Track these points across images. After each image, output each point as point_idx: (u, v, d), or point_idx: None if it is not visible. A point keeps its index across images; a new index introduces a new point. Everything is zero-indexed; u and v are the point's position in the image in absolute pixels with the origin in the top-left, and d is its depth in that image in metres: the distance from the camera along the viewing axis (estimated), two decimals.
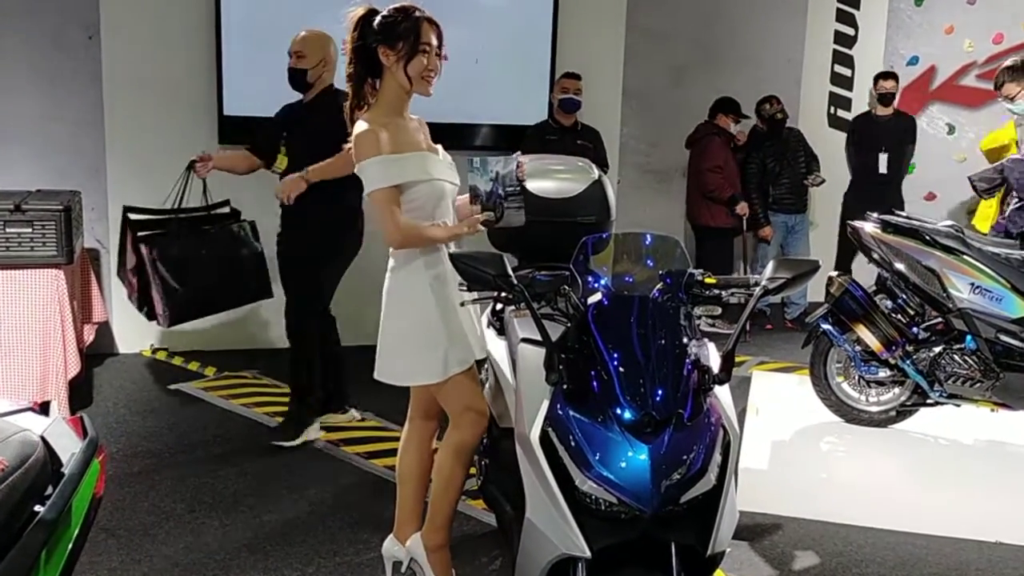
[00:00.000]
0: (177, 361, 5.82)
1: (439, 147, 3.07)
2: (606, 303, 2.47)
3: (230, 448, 4.50)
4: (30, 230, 4.47)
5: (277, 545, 3.57)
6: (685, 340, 2.42)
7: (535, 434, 2.36)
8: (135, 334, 5.94)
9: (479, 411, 3.07)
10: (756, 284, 2.55)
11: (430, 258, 2.94)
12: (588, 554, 2.23)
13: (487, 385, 3.49)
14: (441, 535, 3.16)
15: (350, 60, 2.89)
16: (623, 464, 2.21)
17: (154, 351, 5.95)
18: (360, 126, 2.86)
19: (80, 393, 4.99)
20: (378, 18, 2.86)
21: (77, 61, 5.73)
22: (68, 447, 1.77)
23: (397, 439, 4.50)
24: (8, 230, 4.44)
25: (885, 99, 7.26)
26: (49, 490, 1.65)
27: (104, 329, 5.76)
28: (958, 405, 4.63)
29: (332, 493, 4.06)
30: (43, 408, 1.89)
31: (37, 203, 4.56)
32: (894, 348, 4.54)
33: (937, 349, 4.51)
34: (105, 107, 5.67)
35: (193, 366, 5.72)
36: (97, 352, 5.74)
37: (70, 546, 1.66)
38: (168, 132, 5.72)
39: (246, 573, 3.39)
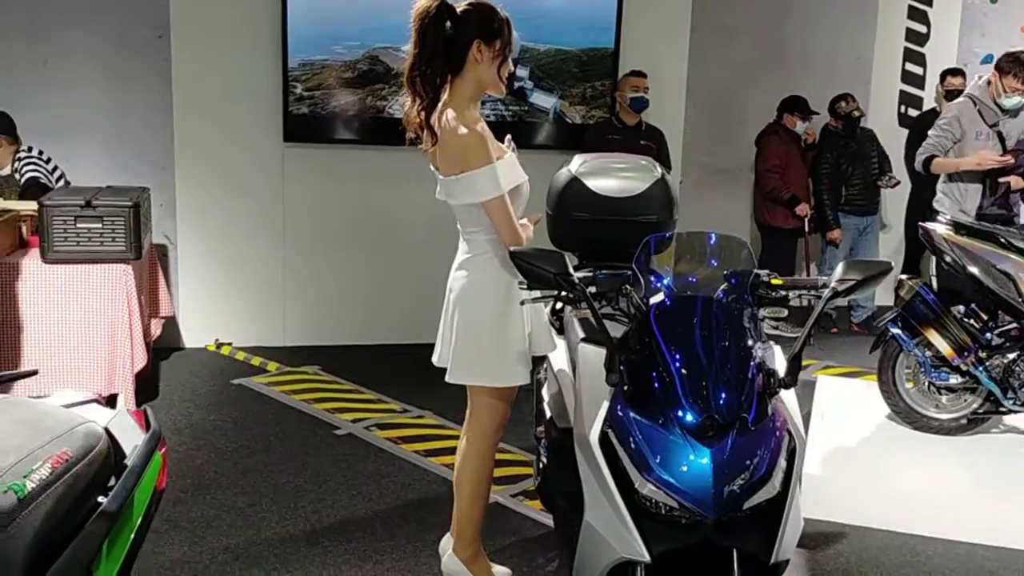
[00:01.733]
0: (240, 356, 5.91)
1: (509, 142, 3.02)
2: (668, 303, 2.43)
3: (291, 443, 4.54)
4: (100, 226, 4.56)
5: (336, 541, 3.59)
6: (750, 342, 2.37)
7: (595, 435, 2.34)
8: (201, 329, 6.04)
9: (500, 397, 3.06)
10: (824, 286, 2.49)
11: (504, 260, 2.85)
12: (647, 558, 2.20)
13: (545, 384, 3.48)
14: (473, 547, 3.17)
15: (430, 54, 2.75)
16: (684, 468, 2.18)
17: (219, 346, 6.04)
18: (460, 128, 2.75)
19: (147, 386, 5.09)
20: (472, 12, 2.78)
21: (146, 59, 5.85)
22: (132, 439, 1.79)
23: (454, 437, 4.51)
24: (79, 225, 4.53)
25: (952, 96, 7.05)
26: (112, 481, 1.67)
27: (171, 324, 5.86)
28: None
29: (391, 491, 4.07)
30: (109, 401, 1.92)
31: (107, 199, 4.65)
32: (966, 354, 4.40)
33: (1012, 356, 4.37)
34: (174, 105, 5.77)
35: (256, 361, 5.79)
36: (164, 346, 5.84)
37: (131, 537, 1.68)
38: (234, 130, 5.81)
39: (305, 567, 3.41)
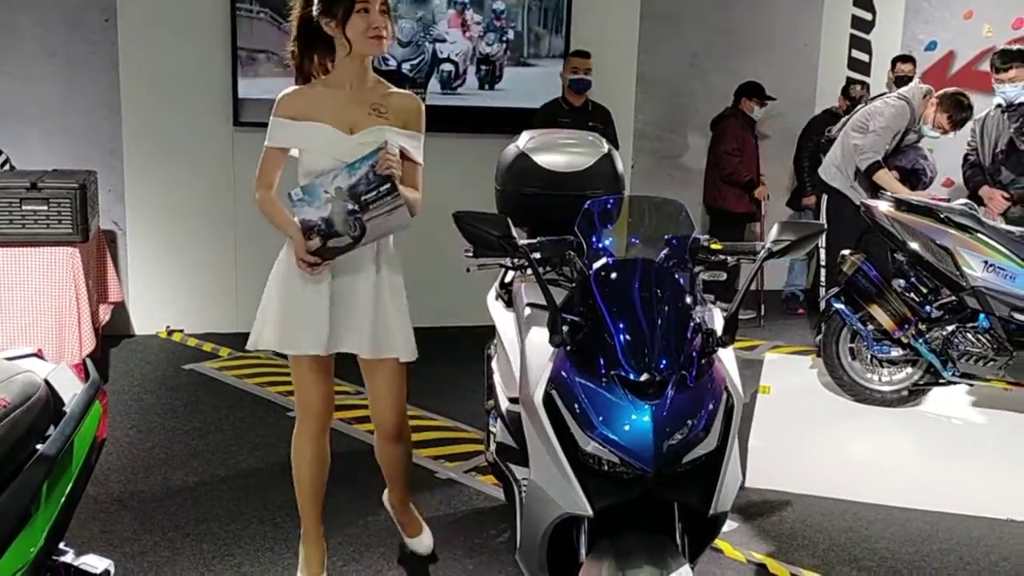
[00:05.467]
0: (192, 342, 5.87)
1: (379, 128, 2.79)
2: (609, 266, 2.47)
3: (242, 426, 4.53)
4: (46, 208, 4.52)
5: (287, 517, 3.59)
6: (689, 303, 2.42)
7: (539, 396, 2.37)
8: (151, 316, 5.99)
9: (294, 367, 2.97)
10: (763, 248, 2.54)
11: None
12: (590, 513, 2.23)
13: (495, 358, 3.51)
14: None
15: (294, 36, 2.85)
16: (626, 425, 2.21)
17: (170, 332, 6.00)
18: (287, 89, 2.85)
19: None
20: None
21: (94, 44, 5.79)
22: (71, 390, 1.80)
23: (411, 418, 4.54)
24: (24, 207, 4.49)
25: (902, 82, 7.21)
26: (51, 430, 1.68)
27: (121, 311, 5.81)
28: (971, 384, 4.61)
29: (342, 470, 4.05)
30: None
31: (53, 181, 4.61)
32: (907, 327, 4.51)
33: (950, 328, 4.48)
34: (122, 89, 5.71)
35: (208, 347, 5.76)
36: (113, 334, 5.78)
37: (71, 484, 1.68)
38: (183, 114, 5.76)
39: (256, 543, 3.42)
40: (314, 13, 2.76)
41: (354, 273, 2.84)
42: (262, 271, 2.98)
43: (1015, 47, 5.42)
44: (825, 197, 5.55)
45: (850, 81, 7.32)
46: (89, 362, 1.92)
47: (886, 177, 5.06)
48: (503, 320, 3.29)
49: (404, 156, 2.84)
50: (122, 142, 5.79)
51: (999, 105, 5.41)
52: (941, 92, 5.02)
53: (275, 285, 2.89)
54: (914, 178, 5.58)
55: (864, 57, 8.20)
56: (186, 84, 5.77)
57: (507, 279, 3.45)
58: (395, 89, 2.92)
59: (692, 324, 2.37)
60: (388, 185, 2.64)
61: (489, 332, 3.47)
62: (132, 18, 5.66)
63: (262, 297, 2.92)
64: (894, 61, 7.37)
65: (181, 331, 6.02)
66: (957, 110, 4.96)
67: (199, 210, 5.89)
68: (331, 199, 2.67)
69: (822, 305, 4.91)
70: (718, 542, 3.50)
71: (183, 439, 4.37)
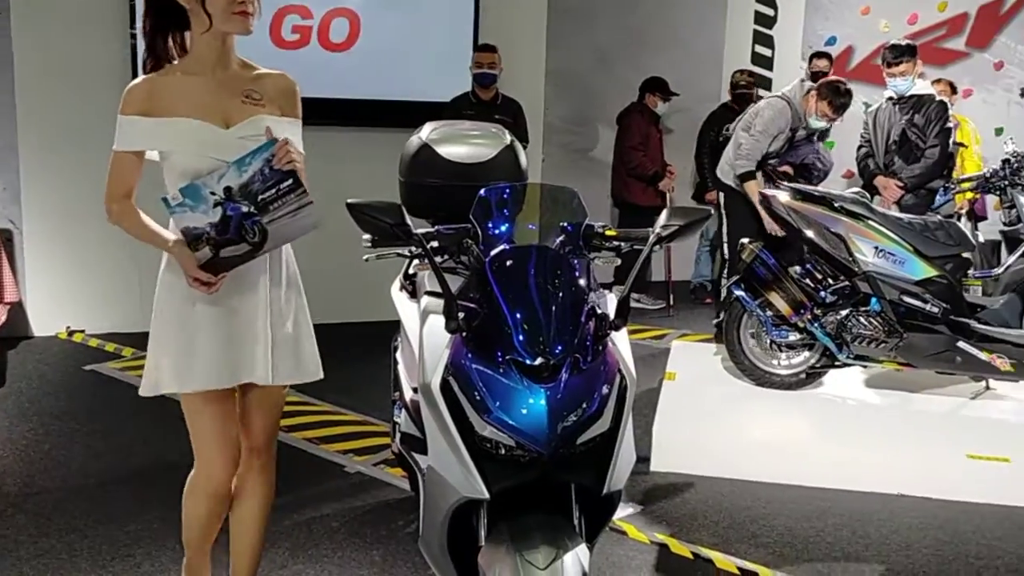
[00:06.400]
0: (94, 343, 5.72)
1: (256, 118, 2.46)
2: (505, 253, 2.50)
3: (144, 427, 4.43)
4: None
5: None
6: (583, 287, 2.46)
7: (436, 382, 2.38)
8: (50, 316, 5.82)
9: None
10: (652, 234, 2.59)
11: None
12: (487, 496, 2.26)
13: (400, 349, 3.51)
14: None
15: (145, 12, 2.47)
16: (522, 409, 2.24)
17: (70, 333, 5.84)
18: (136, 79, 2.46)
19: None
20: None
21: None
22: None
23: (311, 412, 4.53)
24: None
25: (817, 78, 7.43)
26: None
27: (18, 312, 5.64)
28: (865, 366, 4.77)
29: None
30: None
31: None
32: (803, 312, 4.65)
33: (844, 312, 4.63)
34: (16, 84, 5.53)
35: (110, 347, 5.62)
36: (11, 335, 5.61)
37: None
38: (81, 108, 5.60)
39: (155, 543, 3.36)
40: None
41: (252, 289, 2.52)
42: None
43: (905, 42, 5.62)
44: (722, 195, 5.68)
45: (737, 72, 7.48)
46: None
47: (754, 188, 5.16)
48: (407, 310, 3.29)
49: None
50: (16, 139, 5.61)
51: (890, 98, 5.61)
52: (819, 83, 5.19)
53: (163, 318, 2.52)
54: (807, 173, 5.74)
55: (767, 52, 8.41)
56: (83, 78, 5.61)
57: (411, 270, 3.46)
58: (264, 70, 2.57)
59: (586, 309, 2.41)
60: (290, 181, 2.37)
61: (395, 326, 3.47)
62: (25, 10, 5.49)
63: (150, 338, 2.55)
64: (811, 57, 7.61)
65: (82, 331, 5.86)
66: (836, 95, 5.11)
67: (99, 207, 5.67)
68: (220, 201, 2.36)
69: (723, 293, 5.03)
70: (622, 524, 3.57)
71: (82, 441, 4.26)
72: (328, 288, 5.09)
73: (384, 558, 3.33)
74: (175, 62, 2.48)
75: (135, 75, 5.59)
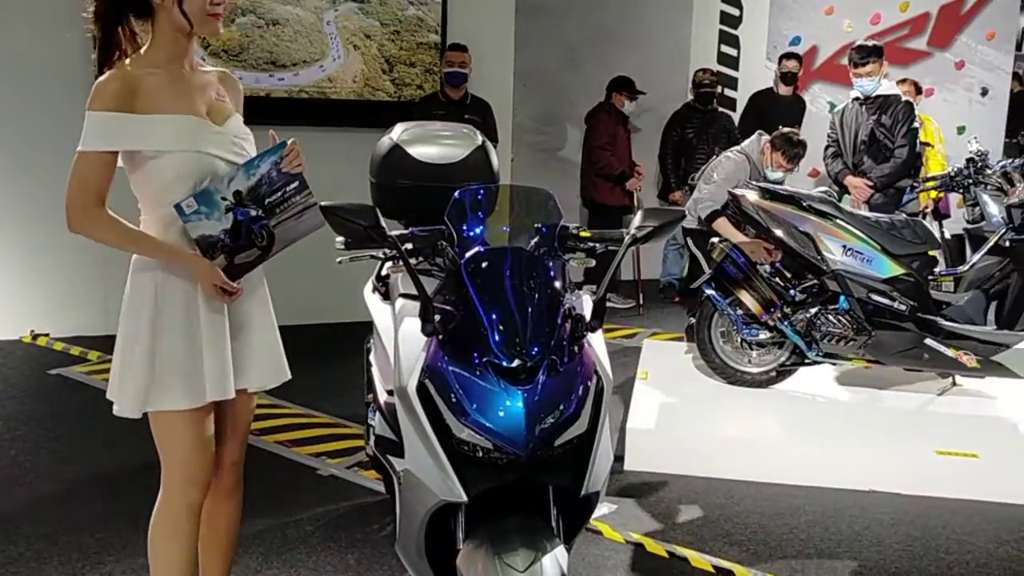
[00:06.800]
0: (59, 347, 5.63)
1: (235, 116, 2.46)
2: (480, 255, 2.49)
3: (112, 430, 4.32)
4: None
5: None
6: (559, 289, 2.46)
7: (412, 385, 2.37)
8: (13, 320, 5.73)
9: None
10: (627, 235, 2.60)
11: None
12: (465, 499, 2.25)
13: (373, 351, 3.49)
14: None
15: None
16: (499, 411, 2.24)
17: (34, 337, 5.74)
18: (108, 73, 2.29)
19: None
20: None
21: None
22: None
23: (285, 415, 4.50)
24: None
25: (787, 78, 7.51)
26: None
27: None
28: (835, 363, 4.82)
29: None
30: None
31: None
32: (773, 310, 4.69)
33: (813, 310, 4.67)
34: None
35: (75, 351, 5.54)
36: None
37: None
38: (39, 107, 5.51)
39: (126, 550, 3.32)
40: None
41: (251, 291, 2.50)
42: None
43: (871, 43, 5.69)
44: (689, 239, 5.52)
45: (700, 71, 7.53)
46: None
47: (724, 225, 5.08)
48: (380, 312, 3.27)
49: None
50: None
51: (856, 98, 5.66)
52: (772, 135, 5.16)
53: (163, 333, 2.37)
54: None
55: (733, 52, 8.47)
56: (40, 76, 5.52)
57: (383, 271, 3.44)
58: (209, 67, 2.51)
59: (562, 310, 2.41)
60: (296, 183, 2.40)
61: (369, 328, 3.44)
62: None
63: (124, 352, 2.40)
64: (781, 58, 7.67)
65: (46, 335, 5.77)
66: (789, 146, 5.08)
67: (59, 207, 5.57)
68: (231, 206, 2.33)
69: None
70: (597, 524, 3.58)
71: (49, 446, 4.20)
72: (298, 289, 5.06)
73: (359, 561, 3.31)
74: (133, 56, 2.33)
75: (99, 72, 5.51)
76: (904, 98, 5.68)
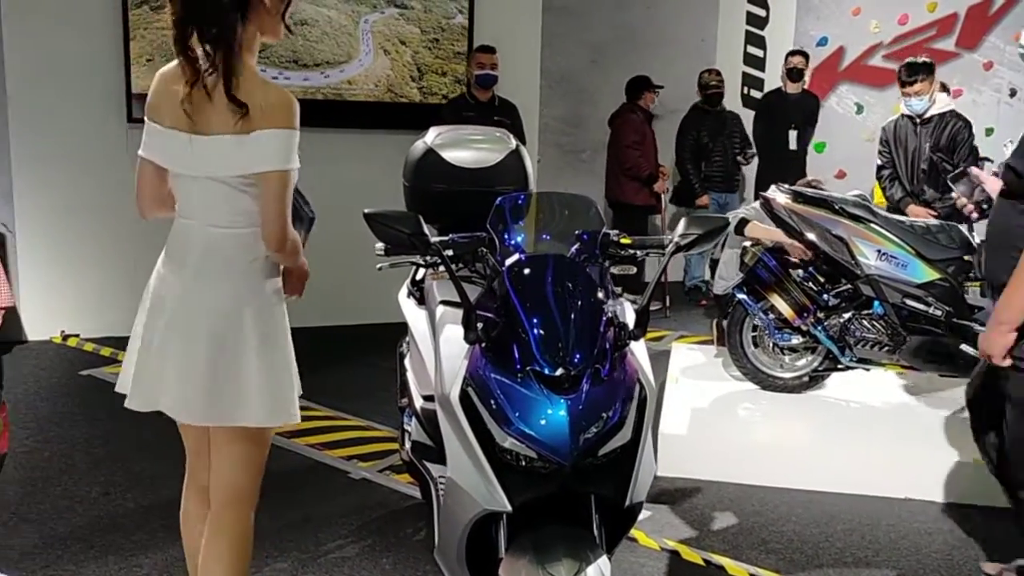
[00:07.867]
0: (89, 347, 5.66)
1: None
2: (522, 262, 2.48)
3: (145, 431, 4.36)
4: None
5: None
6: (601, 297, 2.44)
7: (455, 393, 2.37)
8: (45, 321, 5.76)
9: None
10: (670, 242, 2.58)
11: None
12: (509, 508, 2.25)
13: (408, 355, 3.49)
14: None
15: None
16: (542, 420, 2.23)
17: (65, 337, 5.78)
18: (273, 83, 2.35)
19: None
20: None
21: None
22: None
23: (318, 418, 4.50)
24: None
25: (792, 74, 7.43)
26: None
27: (11, 316, 5.56)
28: (868, 369, 4.77)
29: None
30: None
31: None
32: (806, 315, 4.65)
33: (847, 315, 4.63)
34: (8, 85, 5.47)
35: (106, 351, 5.57)
36: (5, 340, 5.53)
37: None
38: (75, 110, 5.56)
39: (163, 552, 3.32)
40: None
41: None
42: None
43: (921, 59, 5.50)
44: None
45: (705, 72, 7.50)
46: None
47: (755, 227, 4.85)
48: (415, 317, 3.27)
49: None
50: (9, 140, 5.54)
51: (906, 115, 5.56)
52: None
53: (282, 343, 2.43)
54: None
55: (759, 52, 8.42)
56: (77, 79, 5.56)
57: (418, 276, 3.43)
58: None
59: (605, 318, 2.40)
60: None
61: (400, 330, 3.44)
62: (18, 10, 5.42)
63: (264, 367, 2.38)
64: (787, 55, 7.61)
65: (77, 336, 5.80)
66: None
67: (93, 209, 5.68)
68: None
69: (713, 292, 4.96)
70: (632, 531, 3.55)
71: (83, 448, 4.22)
72: (333, 291, 5.07)
73: (394, 566, 3.30)
74: (242, 66, 2.25)
75: (128, 78, 5.55)
76: (957, 112, 5.52)
